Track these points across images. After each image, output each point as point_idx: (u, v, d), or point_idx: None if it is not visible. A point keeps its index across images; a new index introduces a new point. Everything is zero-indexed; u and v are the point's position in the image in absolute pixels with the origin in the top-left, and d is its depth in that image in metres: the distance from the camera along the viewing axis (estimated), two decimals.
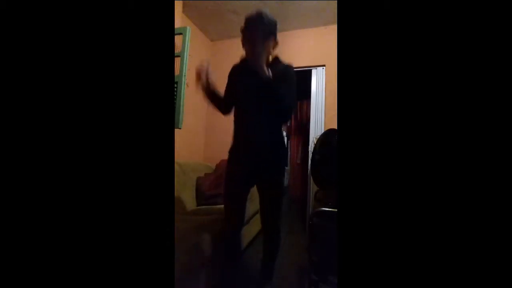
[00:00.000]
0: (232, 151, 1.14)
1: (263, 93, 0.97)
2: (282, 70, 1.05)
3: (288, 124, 4.29)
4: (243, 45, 1.04)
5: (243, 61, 1.12)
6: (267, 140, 1.06)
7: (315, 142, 1.93)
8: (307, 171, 2.42)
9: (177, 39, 1.14)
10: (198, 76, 1.05)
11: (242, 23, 1.04)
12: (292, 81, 1.05)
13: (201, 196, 1.98)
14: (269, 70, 0.95)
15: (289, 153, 4.49)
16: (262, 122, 1.04)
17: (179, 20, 1.98)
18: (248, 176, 1.10)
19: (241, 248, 1.31)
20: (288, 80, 1.03)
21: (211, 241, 1.21)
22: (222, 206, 1.83)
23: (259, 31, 0.97)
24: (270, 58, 1.08)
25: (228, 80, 1.17)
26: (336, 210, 1.10)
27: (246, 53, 1.04)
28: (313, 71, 2.49)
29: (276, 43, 1.06)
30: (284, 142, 1.18)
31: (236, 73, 1.14)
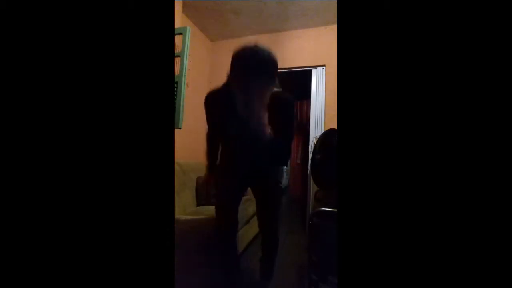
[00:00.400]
0: (223, 156, 1.07)
1: (259, 146, 0.86)
2: (283, 108, 0.90)
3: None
4: (233, 87, 0.82)
5: (228, 96, 0.84)
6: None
7: (315, 142, 1.93)
8: (307, 171, 2.42)
9: (177, 39, 1.14)
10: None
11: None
12: (293, 117, 0.96)
13: (201, 196, 1.98)
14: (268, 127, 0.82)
15: None
16: (257, 160, 0.96)
17: (179, 20, 1.98)
18: (241, 180, 1.06)
19: (237, 253, 1.26)
20: (289, 120, 0.93)
21: (211, 241, 1.21)
22: None
23: (257, 84, 0.74)
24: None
25: (211, 115, 0.99)
26: (336, 210, 1.10)
27: (239, 102, 0.81)
28: (313, 71, 2.48)
29: (274, 87, 0.86)
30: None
31: (223, 111, 0.91)
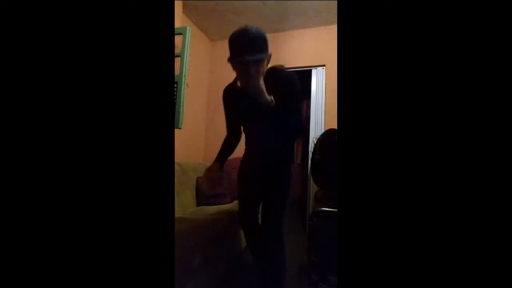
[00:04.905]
0: (243, 158, 1.22)
1: (268, 117, 0.93)
2: (282, 81, 0.99)
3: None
4: (233, 68, 0.95)
5: (238, 86, 1.05)
6: (276, 150, 1.07)
7: (315, 142, 1.93)
8: (307, 171, 2.42)
9: (177, 39, 1.14)
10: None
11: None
12: (296, 90, 0.99)
13: (201, 196, 1.98)
14: (271, 96, 0.89)
15: None
16: (271, 139, 1.05)
17: (179, 20, 1.98)
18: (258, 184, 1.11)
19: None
20: (291, 93, 0.98)
21: (211, 241, 1.21)
22: (222, 206, 1.84)
23: (249, 55, 0.86)
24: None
25: (225, 105, 1.16)
26: (336, 210, 1.10)
27: (239, 79, 0.98)
28: (313, 71, 2.48)
29: (269, 57, 0.96)
30: (292, 152, 1.22)
31: (232, 98, 1.10)
